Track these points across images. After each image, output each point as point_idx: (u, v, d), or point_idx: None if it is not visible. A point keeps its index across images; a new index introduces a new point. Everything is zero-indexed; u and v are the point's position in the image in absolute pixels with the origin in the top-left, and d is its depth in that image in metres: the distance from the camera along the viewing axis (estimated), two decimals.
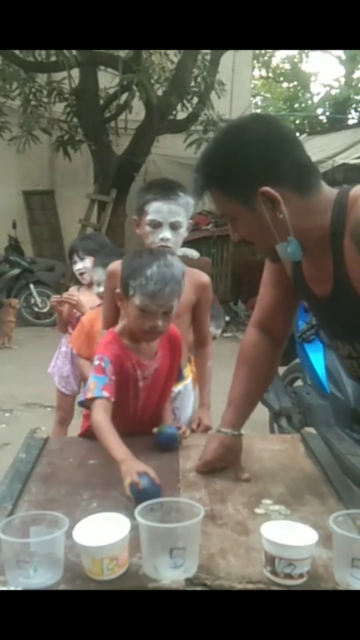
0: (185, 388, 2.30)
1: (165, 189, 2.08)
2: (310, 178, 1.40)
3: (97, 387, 1.69)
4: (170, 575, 1.12)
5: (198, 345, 2.30)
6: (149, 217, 2.09)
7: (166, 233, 2.09)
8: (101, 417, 1.63)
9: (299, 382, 3.77)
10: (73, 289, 3.37)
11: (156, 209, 2.07)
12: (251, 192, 1.36)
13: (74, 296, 3.14)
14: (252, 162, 1.35)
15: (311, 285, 1.55)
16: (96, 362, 1.74)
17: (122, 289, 1.78)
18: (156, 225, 2.09)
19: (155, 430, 1.87)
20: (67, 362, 3.34)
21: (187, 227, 2.14)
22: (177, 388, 2.22)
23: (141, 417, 1.90)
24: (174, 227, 2.09)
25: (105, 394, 1.67)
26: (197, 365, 2.33)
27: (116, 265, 2.05)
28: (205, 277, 2.26)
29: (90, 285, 3.21)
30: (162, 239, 2.08)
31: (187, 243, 2.60)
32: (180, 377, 2.15)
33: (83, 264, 3.23)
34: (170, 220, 2.08)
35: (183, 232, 2.12)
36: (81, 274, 3.27)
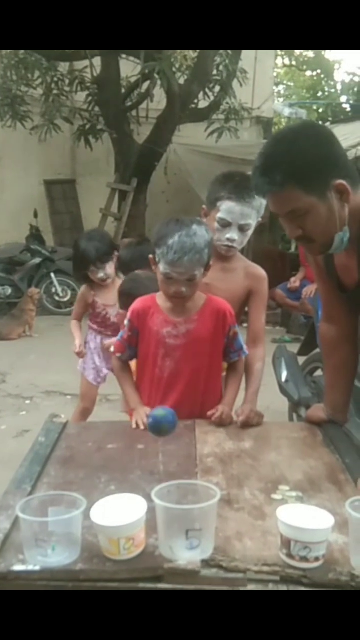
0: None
1: (242, 189, 2.04)
2: (356, 174, 1.53)
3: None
4: (186, 556, 1.13)
5: (248, 344, 2.14)
6: (219, 215, 2.08)
7: (234, 234, 2.08)
8: (117, 368, 2.06)
9: (319, 372, 3.74)
10: (85, 289, 3.44)
11: (229, 209, 2.06)
12: (326, 186, 1.47)
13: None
14: (327, 159, 1.48)
15: (341, 275, 1.67)
16: None
17: (153, 254, 1.90)
18: (225, 225, 2.08)
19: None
20: (96, 357, 3.38)
21: (255, 226, 2.14)
22: None
23: (177, 382, 1.91)
24: (242, 229, 2.09)
25: (113, 349, 2.05)
26: (246, 365, 2.12)
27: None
28: (260, 270, 2.22)
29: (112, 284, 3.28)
30: (228, 239, 2.09)
31: None
32: (242, 353, 2.05)
33: (105, 272, 3.25)
34: (240, 222, 2.07)
35: (250, 233, 2.12)
36: (103, 280, 3.30)
